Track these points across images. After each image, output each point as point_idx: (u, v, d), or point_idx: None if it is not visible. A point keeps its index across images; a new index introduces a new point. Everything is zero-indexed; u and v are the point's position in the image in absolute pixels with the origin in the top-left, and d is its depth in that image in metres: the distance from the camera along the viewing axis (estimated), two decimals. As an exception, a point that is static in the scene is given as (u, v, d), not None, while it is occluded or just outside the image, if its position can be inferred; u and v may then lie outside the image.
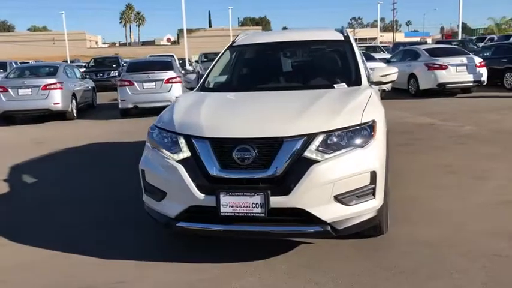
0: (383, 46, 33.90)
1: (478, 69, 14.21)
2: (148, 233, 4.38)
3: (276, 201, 3.28)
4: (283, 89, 4.62)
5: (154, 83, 12.80)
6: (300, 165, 3.29)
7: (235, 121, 3.66)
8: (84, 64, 31.24)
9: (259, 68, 5.29)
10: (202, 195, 3.40)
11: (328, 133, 3.39)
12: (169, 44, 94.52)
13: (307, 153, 3.32)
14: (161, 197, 3.66)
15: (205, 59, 26.25)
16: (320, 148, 3.34)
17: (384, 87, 5.77)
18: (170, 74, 12.98)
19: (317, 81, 4.80)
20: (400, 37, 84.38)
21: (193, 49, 34.03)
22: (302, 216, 3.34)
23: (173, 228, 3.64)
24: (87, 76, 18.70)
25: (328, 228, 3.34)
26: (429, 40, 60.02)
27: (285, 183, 3.29)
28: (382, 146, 3.62)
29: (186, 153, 3.53)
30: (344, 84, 4.48)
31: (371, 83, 4.62)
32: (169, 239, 4.26)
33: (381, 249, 3.81)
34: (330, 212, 3.33)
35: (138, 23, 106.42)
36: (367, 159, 3.42)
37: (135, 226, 4.59)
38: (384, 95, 9.98)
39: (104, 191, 5.96)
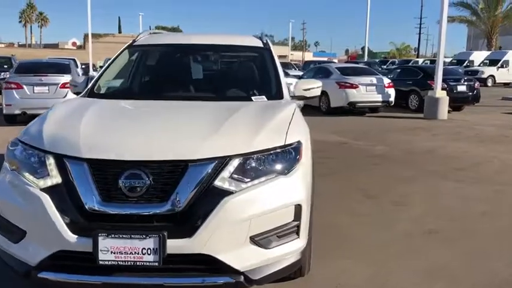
0: (294, 64, 34.37)
1: (386, 89, 14.49)
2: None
3: (175, 245, 2.50)
4: (192, 99, 3.83)
5: (47, 87, 11.32)
6: (209, 198, 2.55)
7: (123, 138, 2.81)
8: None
9: (164, 73, 4.44)
10: (74, 236, 2.53)
11: (246, 156, 2.68)
12: (75, 48, 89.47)
13: (218, 182, 2.59)
14: (19, 238, 2.71)
15: (111, 65, 24.62)
16: (235, 175, 2.63)
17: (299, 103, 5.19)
18: (67, 78, 11.54)
19: (233, 92, 4.10)
20: (308, 56, 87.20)
21: (100, 55, 31.89)
22: (208, 264, 2.59)
23: (34, 280, 2.69)
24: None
25: (241, 279, 2.61)
26: (336, 60, 62.64)
27: (188, 221, 2.53)
28: (309, 172, 3.00)
29: (55, 178, 2.63)
30: (263, 96, 3.82)
31: (293, 97, 4.02)
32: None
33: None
34: (245, 257, 2.61)
35: (40, 24, 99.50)
36: (292, 189, 2.76)
37: None
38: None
39: None
